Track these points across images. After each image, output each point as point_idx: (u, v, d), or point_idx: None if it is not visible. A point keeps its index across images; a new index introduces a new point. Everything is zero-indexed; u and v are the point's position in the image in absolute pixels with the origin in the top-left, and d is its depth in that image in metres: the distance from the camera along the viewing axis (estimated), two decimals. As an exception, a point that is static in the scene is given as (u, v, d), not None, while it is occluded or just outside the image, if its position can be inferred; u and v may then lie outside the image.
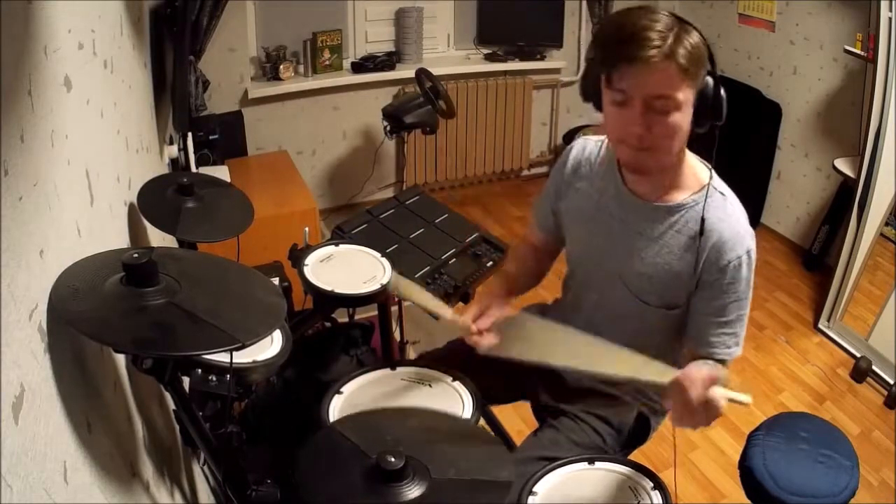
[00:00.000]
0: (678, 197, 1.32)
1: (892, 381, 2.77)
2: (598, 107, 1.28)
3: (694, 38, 1.17)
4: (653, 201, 1.34)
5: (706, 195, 1.30)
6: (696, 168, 1.34)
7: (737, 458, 1.51)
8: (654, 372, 1.17)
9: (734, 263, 1.28)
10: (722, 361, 1.35)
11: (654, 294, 1.37)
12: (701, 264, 1.30)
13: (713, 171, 1.35)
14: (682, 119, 1.19)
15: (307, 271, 1.66)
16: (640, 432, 1.54)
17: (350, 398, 1.29)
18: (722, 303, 1.32)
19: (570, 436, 1.46)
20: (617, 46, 1.16)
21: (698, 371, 1.10)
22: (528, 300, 1.81)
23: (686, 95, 1.18)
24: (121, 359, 1.08)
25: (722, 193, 1.32)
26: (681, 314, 1.38)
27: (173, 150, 2.31)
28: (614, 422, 1.49)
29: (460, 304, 1.95)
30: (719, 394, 1.09)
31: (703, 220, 1.29)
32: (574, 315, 1.58)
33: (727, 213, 1.30)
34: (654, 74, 1.14)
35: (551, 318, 1.67)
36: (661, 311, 1.38)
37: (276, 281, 1.88)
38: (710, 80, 1.20)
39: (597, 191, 1.42)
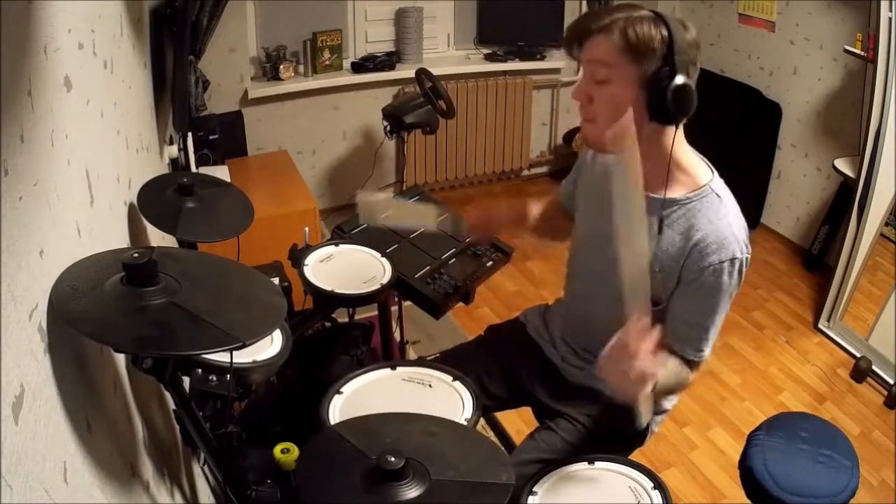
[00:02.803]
0: (673, 192, 1.32)
1: (892, 381, 2.77)
2: None
3: (646, 28, 1.19)
4: (649, 192, 1.34)
5: (700, 194, 1.30)
6: (696, 168, 1.33)
7: (737, 458, 1.51)
8: None
9: (714, 268, 1.27)
10: (689, 362, 1.36)
11: None
12: (682, 263, 1.30)
13: (715, 172, 1.35)
14: (620, 93, 1.23)
15: (307, 271, 1.67)
16: (638, 433, 1.54)
17: (350, 398, 1.29)
18: (695, 305, 1.32)
19: (567, 438, 1.47)
20: (576, 23, 1.32)
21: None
22: (530, 301, 1.81)
23: (626, 72, 1.21)
24: (121, 359, 1.08)
25: (718, 195, 1.31)
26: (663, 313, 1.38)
27: (173, 150, 2.31)
28: (612, 423, 1.49)
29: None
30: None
31: (689, 218, 1.29)
32: (570, 300, 1.59)
33: (718, 216, 1.28)
34: (593, 41, 1.25)
35: (551, 316, 1.68)
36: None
37: (276, 281, 1.88)
38: (664, 70, 1.20)
39: (608, 175, 1.43)
